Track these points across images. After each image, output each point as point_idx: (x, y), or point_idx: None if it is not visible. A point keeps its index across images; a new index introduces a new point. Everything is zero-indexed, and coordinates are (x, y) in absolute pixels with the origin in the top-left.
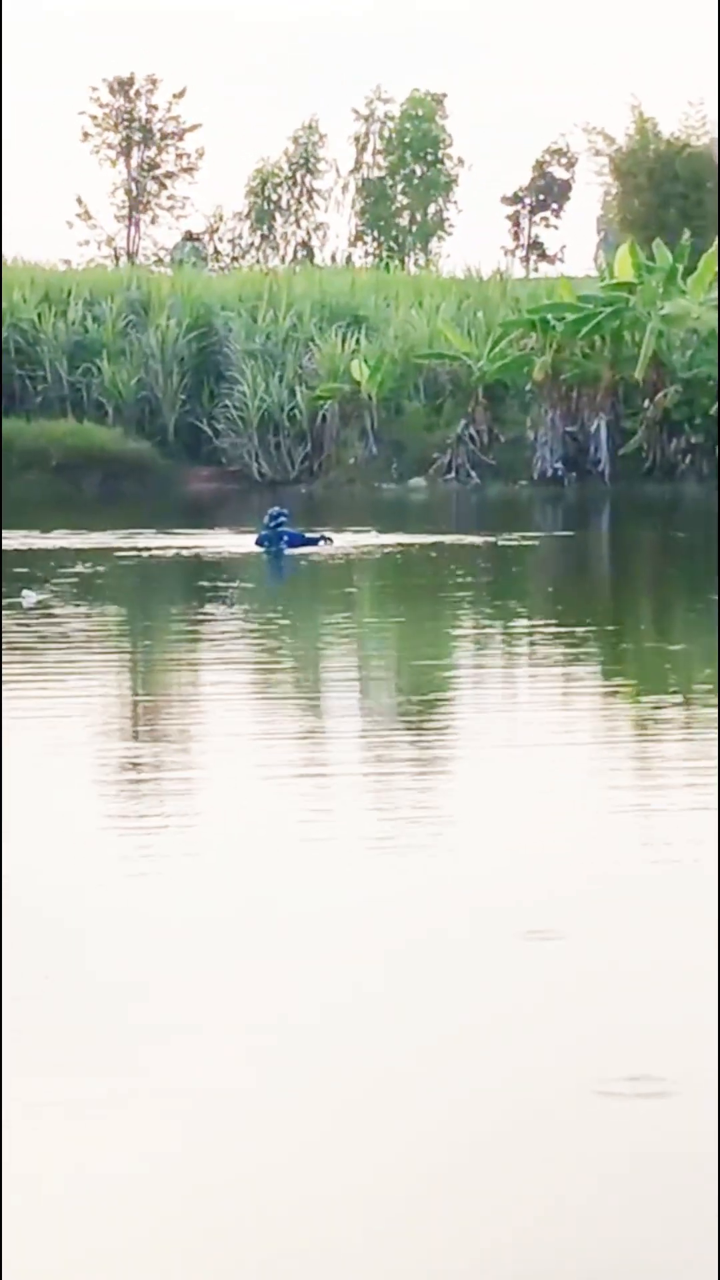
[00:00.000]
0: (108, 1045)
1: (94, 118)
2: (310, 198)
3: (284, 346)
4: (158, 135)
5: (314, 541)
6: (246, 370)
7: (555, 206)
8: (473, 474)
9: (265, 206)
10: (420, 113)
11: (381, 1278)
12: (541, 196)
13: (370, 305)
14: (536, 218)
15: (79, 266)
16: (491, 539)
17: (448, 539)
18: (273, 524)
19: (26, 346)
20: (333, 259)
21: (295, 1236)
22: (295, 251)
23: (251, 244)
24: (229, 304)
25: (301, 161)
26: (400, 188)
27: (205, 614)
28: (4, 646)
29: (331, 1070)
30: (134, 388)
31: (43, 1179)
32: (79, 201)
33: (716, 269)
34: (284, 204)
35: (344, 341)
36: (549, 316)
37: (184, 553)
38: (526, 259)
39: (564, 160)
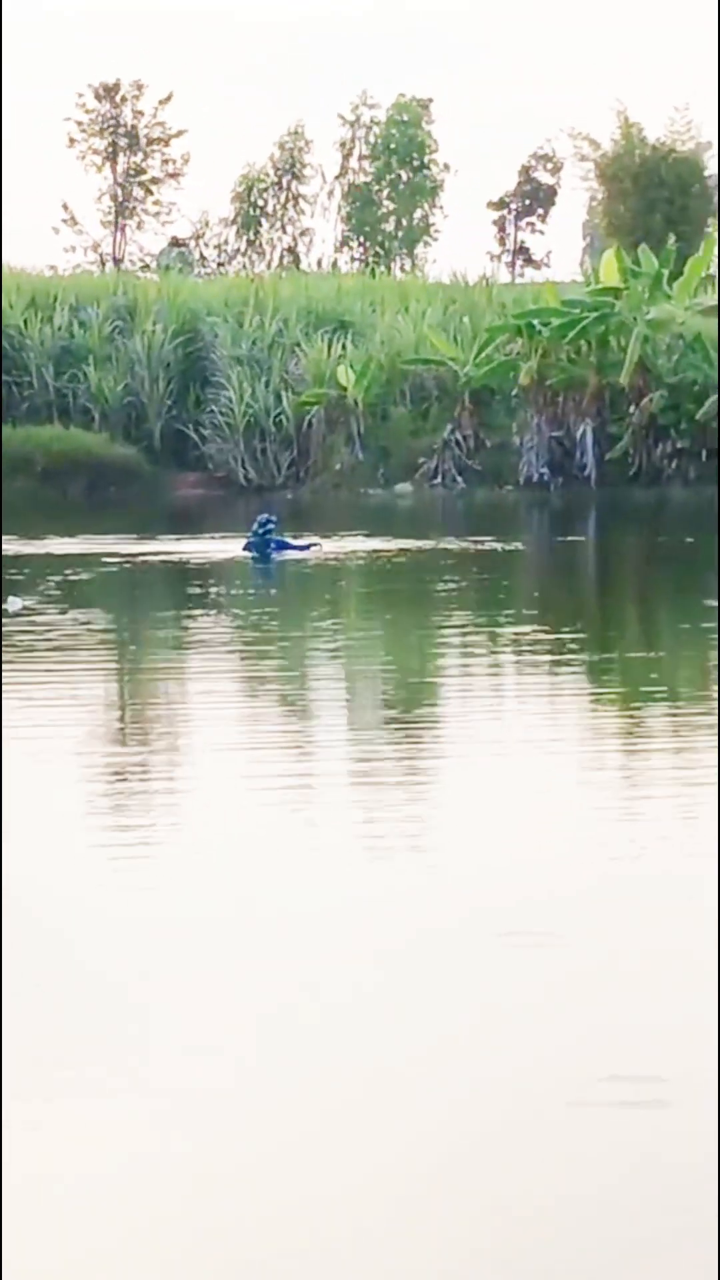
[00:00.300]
0: (106, 1046)
1: (80, 123)
2: (296, 203)
3: (270, 352)
4: (144, 141)
5: (302, 547)
6: (233, 376)
7: (541, 212)
8: (459, 479)
9: (251, 212)
10: (406, 118)
11: (381, 1277)
12: (527, 202)
13: (356, 311)
14: (522, 223)
15: (65, 272)
16: (478, 544)
17: (434, 544)
18: (261, 530)
19: (13, 352)
20: (319, 264)
21: (293, 1236)
22: (281, 257)
23: (237, 249)
24: (215, 309)
25: (287, 167)
26: (386, 193)
27: (193, 620)
28: None
29: (330, 1071)
30: (120, 393)
31: (43, 1179)
32: (65, 207)
33: (716, 272)
34: (270, 209)
35: (330, 347)
36: (535, 322)
37: (171, 558)
38: (512, 264)
39: (550, 165)
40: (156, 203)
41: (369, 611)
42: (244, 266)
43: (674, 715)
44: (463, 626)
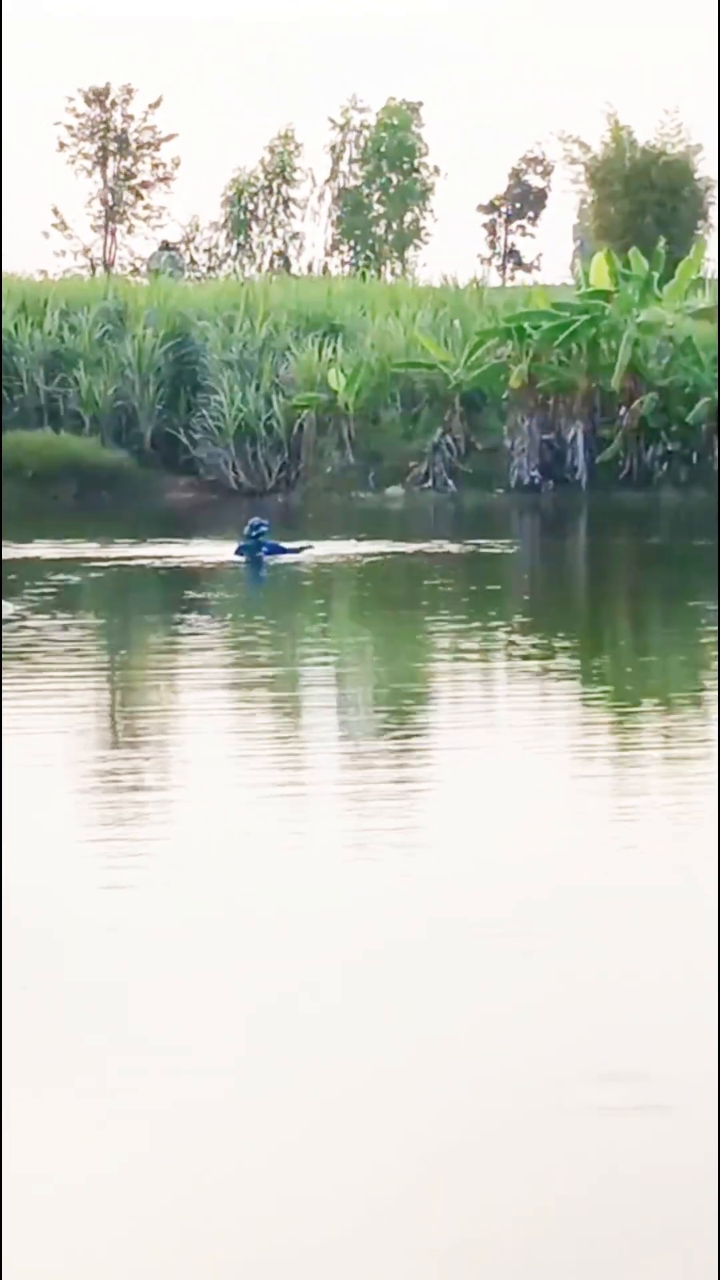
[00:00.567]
0: (105, 1046)
1: (70, 128)
2: (286, 207)
3: (261, 356)
4: (133, 145)
5: (294, 551)
6: (223, 380)
7: (531, 215)
8: (450, 482)
9: (241, 216)
10: (396, 121)
11: (378, 1277)
12: (518, 205)
13: (347, 314)
14: (513, 226)
15: (55, 276)
16: (469, 547)
17: (425, 547)
18: (253, 534)
19: (3, 357)
20: (309, 268)
21: (290, 1235)
22: (272, 261)
23: (228, 253)
24: (205, 314)
25: (278, 171)
26: (376, 197)
27: (184, 624)
28: None
29: (327, 1072)
30: (111, 398)
31: (42, 1179)
32: (55, 212)
33: (715, 274)
34: (260, 213)
35: (321, 351)
36: (525, 325)
37: (162, 562)
38: (503, 267)
39: (540, 168)
40: (147, 207)
41: (360, 614)
42: (234, 270)
43: (673, 715)
44: (454, 629)
